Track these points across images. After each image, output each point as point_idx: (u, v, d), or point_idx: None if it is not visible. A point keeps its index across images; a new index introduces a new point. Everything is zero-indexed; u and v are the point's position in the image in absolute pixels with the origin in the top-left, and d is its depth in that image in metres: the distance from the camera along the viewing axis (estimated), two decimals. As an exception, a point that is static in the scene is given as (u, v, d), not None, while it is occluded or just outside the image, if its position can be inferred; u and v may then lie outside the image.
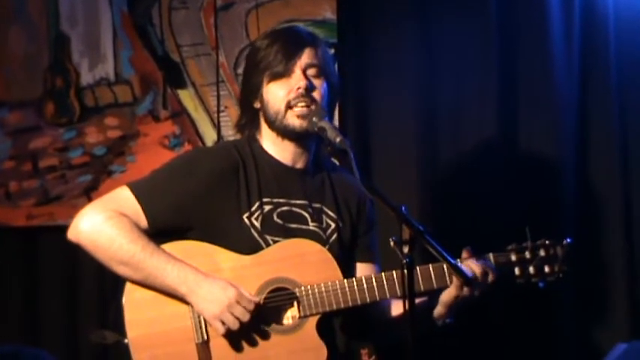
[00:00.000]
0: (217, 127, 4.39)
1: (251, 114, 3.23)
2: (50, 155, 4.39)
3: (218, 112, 4.40)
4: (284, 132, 3.15)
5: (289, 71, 3.13)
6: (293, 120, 3.12)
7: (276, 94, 3.13)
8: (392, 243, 2.65)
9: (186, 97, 4.42)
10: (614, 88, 4.31)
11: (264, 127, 3.21)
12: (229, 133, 4.35)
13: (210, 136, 4.39)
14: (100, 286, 4.28)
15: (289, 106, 3.12)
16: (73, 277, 4.37)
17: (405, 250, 2.63)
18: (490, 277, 3.10)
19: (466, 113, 4.36)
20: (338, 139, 2.97)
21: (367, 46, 4.37)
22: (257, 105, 3.20)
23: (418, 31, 4.36)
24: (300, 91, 3.11)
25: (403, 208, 2.68)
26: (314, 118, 3.07)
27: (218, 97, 4.40)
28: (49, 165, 4.39)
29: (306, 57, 3.14)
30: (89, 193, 4.34)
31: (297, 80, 3.12)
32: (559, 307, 4.23)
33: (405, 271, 2.62)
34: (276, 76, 3.13)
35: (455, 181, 4.34)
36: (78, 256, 4.32)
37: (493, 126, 4.31)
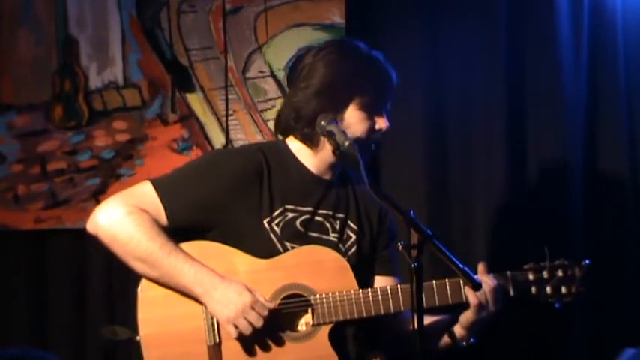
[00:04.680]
0: (226, 130, 4.39)
1: (312, 121, 3.12)
2: (58, 159, 4.39)
3: (227, 115, 4.40)
4: (341, 153, 3.10)
5: (381, 109, 3.15)
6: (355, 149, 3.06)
7: (361, 123, 3.13)
8: (400, 247, 2.64)
9: (195, 100, 4.42)
10: (622, 89, 4.31)
11: None
12: (238, 137, 4.35)
13: (218, 140, 4.39)
14: (108, 290, 4.29)
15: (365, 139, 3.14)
16: (80, 281, 4.37)
17: (414, 254, 2.63)
18: (505, 293, 3.10)
19: (474, 118, 4.36)
20: (346, 144, 2.98)
21: (375, 50, 4.36)
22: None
23: (427, 36, 4.36)
24: (381, 132, 3.15)
25: (411, 212, 2.68)
26: (322, 122, 3.06)
27: (227, 100, 4.40)
28: (58, 168, 4.39)
29: (390, 101, 3.19)
30: (97, 196, 4.34)
31: (383, 121, 3.15)
32: (568, 311, 4.22)
33: (414, 275, 2.61)
34: (369, 108, 3.13)
35: (463, 186, 4.34)
36: (86, 259, 4.34)
37: (501, 129, 4.31)
